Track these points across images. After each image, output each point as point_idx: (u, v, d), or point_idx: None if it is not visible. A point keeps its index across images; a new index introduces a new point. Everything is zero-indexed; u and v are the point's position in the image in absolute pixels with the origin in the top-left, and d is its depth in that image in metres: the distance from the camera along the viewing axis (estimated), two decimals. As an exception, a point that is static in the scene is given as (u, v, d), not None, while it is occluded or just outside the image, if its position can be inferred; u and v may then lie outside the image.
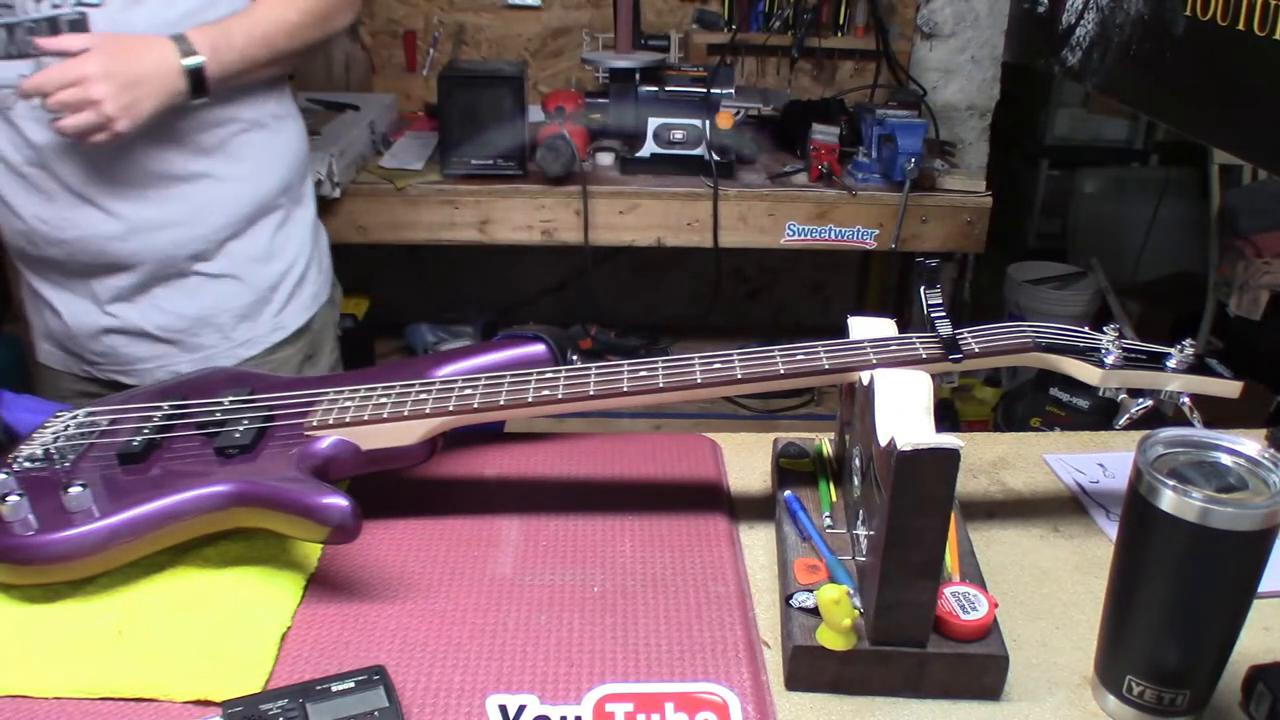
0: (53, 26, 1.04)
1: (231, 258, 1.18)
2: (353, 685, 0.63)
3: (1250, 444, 0.62)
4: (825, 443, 0.88)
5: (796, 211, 2.00)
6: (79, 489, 0.71)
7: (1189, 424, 0.74)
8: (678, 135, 2.00)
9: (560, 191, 1.97)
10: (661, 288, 2.72)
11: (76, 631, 0.69)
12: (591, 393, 0.75)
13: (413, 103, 2.44)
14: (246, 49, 1.09)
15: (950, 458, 0.60)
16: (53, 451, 0.78)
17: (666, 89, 1.99)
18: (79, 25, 1.04)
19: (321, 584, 0.75)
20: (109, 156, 1.08)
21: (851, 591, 0.68)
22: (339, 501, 0.70)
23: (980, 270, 2.80)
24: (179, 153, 1.12)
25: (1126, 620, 0.63)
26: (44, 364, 1.25)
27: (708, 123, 1.99)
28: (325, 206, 1.67)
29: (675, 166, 2.01)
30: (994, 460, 0.95)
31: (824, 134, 2.02)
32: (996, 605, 0.67)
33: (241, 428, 0.78)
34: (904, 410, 0.68)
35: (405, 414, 0.76)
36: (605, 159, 2.08)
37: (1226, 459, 0.62)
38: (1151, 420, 0.75)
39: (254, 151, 1.17)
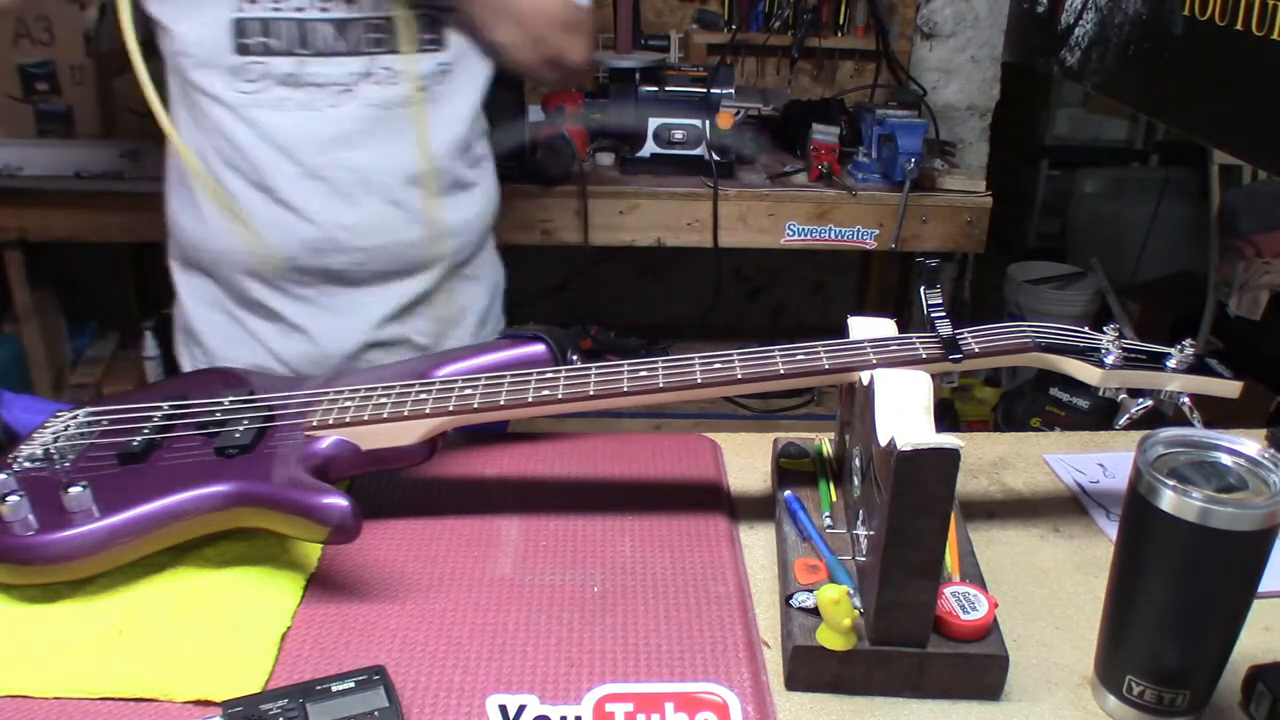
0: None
1: (478, 263, 1.23)
2: (353, 685, 0.63)
3: (1250, 444, 0.62)
4: (825, 443, 0.88)
5: (796, 211, 2.00)
6: (79, 489, 0.71)
7: (1189, 424, 0.74)
8: (678, 135, 2.00)
9: (560, 191, 1.97)
10: (661, 288, 2.72)
11: (76, 631, 0.69)
12: (591, 393, 0.75)
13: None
14: None
15: (950, 458, 0.60)
16: (53, 451, 0.78)
17: (666, 89, 1.99)
18: (434, 24, 1.06)
19: (321, 584, 0.75)
20: (421, 161, 1.10)
21: (851, 591, 0.68)
22: (339, 501, 0.70)
23: (980, 270, 2.80)
24: (465, 162, 1.15)
25: (1126, 620, 0.63)
26: None
27: (708, 123, 1.98)
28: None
29: (675, 166, 2.00)
30: (994, 460, 0.95)
31: (824, 134, 2.02)
32: (996, 605, 0.67)
33: (241, 428, 0.78)
34: (904, 410, 0.68)
35: (405, 414, 0.76)
36: (605, 159, 2.08)
37: (1226, 459, 0.62)
38: (1151, 420, 0.75)
39: (492, 166, 1.23)
